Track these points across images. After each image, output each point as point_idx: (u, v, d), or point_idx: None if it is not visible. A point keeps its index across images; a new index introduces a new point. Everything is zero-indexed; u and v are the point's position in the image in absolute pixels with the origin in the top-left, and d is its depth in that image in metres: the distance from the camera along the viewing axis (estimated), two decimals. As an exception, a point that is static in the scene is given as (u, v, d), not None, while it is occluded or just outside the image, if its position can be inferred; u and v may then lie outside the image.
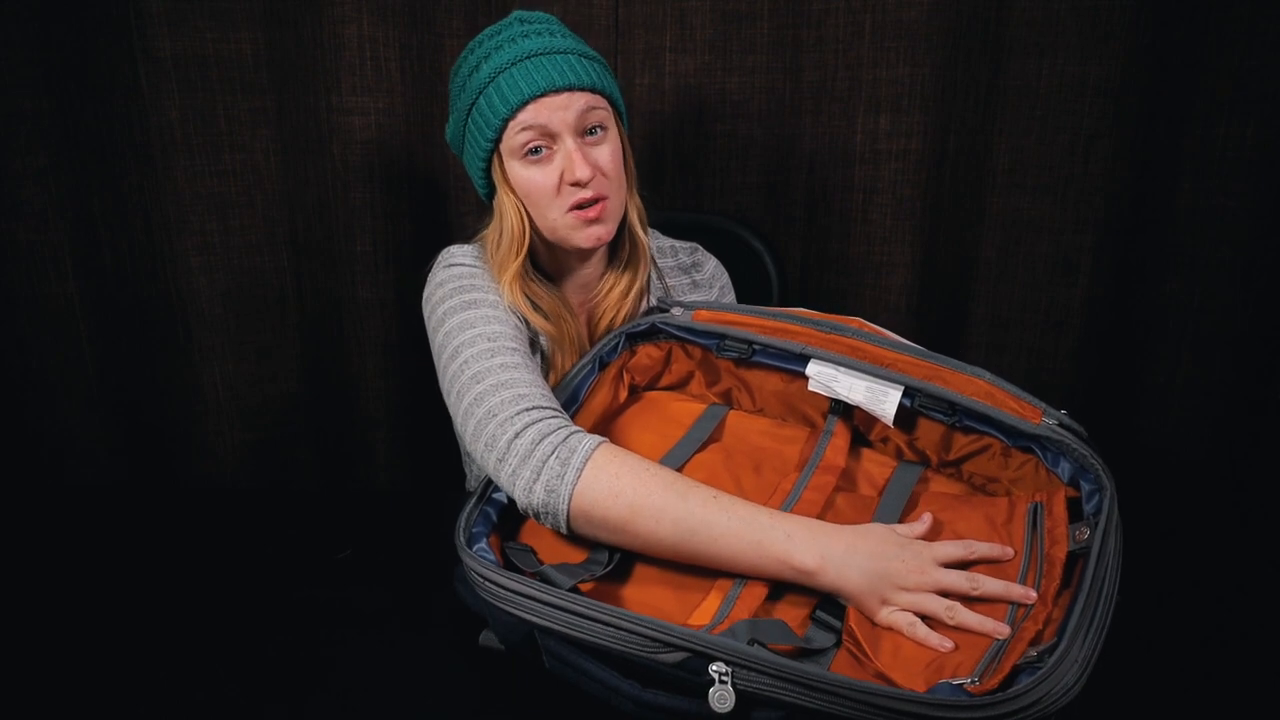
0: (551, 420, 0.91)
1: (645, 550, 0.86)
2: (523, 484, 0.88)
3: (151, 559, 1.30)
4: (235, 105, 1.53)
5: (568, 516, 0.86)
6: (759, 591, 0.82)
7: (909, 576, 0.80)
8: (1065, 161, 1.49)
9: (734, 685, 0.68)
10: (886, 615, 0.79)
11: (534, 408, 0.93)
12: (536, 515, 0.88)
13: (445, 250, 1.17)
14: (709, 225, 1.48)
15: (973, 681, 0.69)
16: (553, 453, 0.88)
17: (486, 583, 0.80)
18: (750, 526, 0.83)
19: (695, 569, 0.85)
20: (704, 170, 1.62)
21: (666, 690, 0.73)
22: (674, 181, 1.62)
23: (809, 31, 1.51)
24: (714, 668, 0.68)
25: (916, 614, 0.79)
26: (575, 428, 0.91)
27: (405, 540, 1.39)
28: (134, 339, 1.58)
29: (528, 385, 0.96)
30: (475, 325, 1.04)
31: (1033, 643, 0.72)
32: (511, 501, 0.91)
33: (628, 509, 0.84)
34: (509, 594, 0.78)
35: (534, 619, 0.77)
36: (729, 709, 0.68)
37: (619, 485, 0.85)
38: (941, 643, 0.76)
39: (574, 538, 0.89)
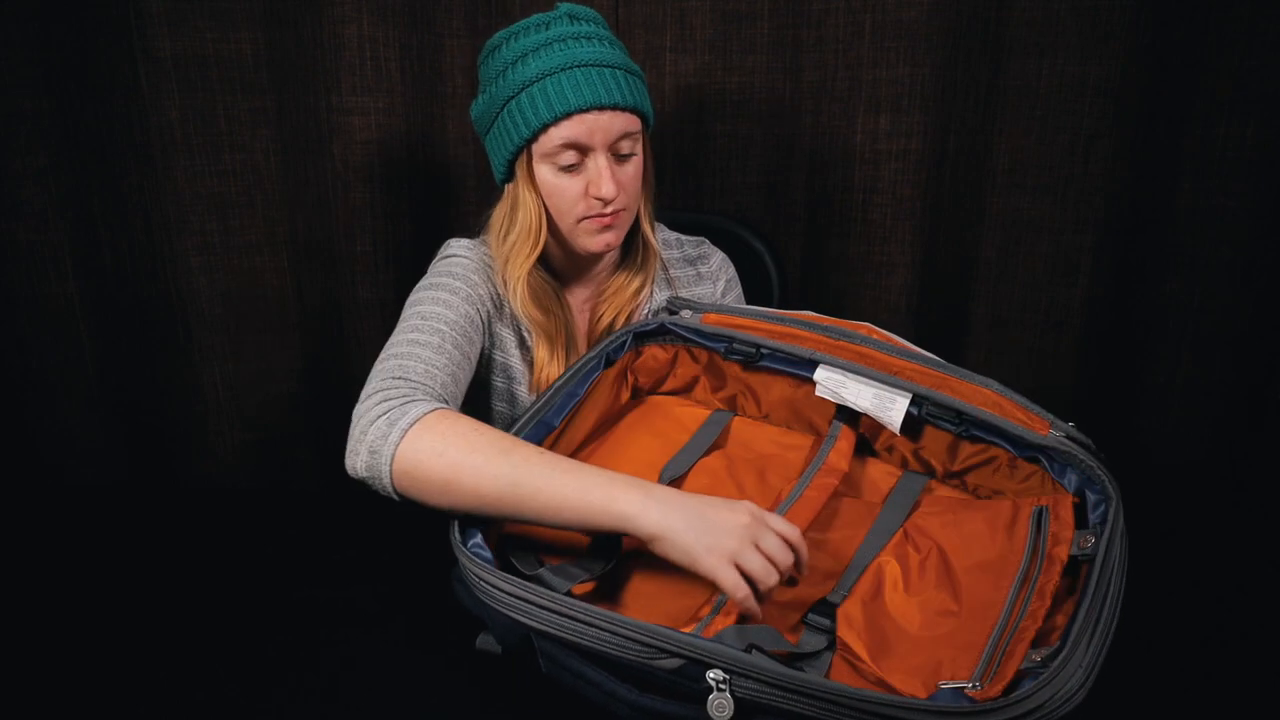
0: (405, 388, 0.92)
1: (475, 509, 0.85)
2: (351, 448, 0.89)
3: (151, 559, 1.30)
4: (235, 105, 1.52)
5: (391, 479, 0.86)
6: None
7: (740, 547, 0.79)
8: (1065, 161, 1.49)
9: (732, 693, 0.68)
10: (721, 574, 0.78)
11: (399, 379, 0.94)
12: (364, 481, 0.89)
13: (446, 243, 1.20)
14: (709, 225, 1.47)
15: (973, 685, 0.69)
16: (384, 415, 0.88)
17: (482, 583, 0.79)
18: (575, 476, 0.82)
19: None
20: (704, 170, 1.62)
21: (664, 696, 0.73)
22: (674, 181, 1.62)
23: (809, 31, 1.51)
24: (711, 675, 0.68)
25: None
26: (422, 398, 0.92)
27: (405, 540, 1.39)
28: (134, 339, 1.58)
29: (416, 360, 0.97)
30: (422, 304, 1.07)
31: (1035, 645, 0.72)
32: None
33: (450, 467, 0.84)
34: (505, 596, 0.77)
35: (530, 622, 0.76)
36: (728, 718, 0.68)
37: (443, 445, 0.85)
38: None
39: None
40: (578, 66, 1.04)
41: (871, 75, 1.50)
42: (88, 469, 1.61)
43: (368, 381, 0.96)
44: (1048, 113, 1.48)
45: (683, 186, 1.63)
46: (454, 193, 1.61)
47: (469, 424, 0.88)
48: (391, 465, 0.86)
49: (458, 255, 1.16)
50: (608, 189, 1.06)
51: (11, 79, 1.40)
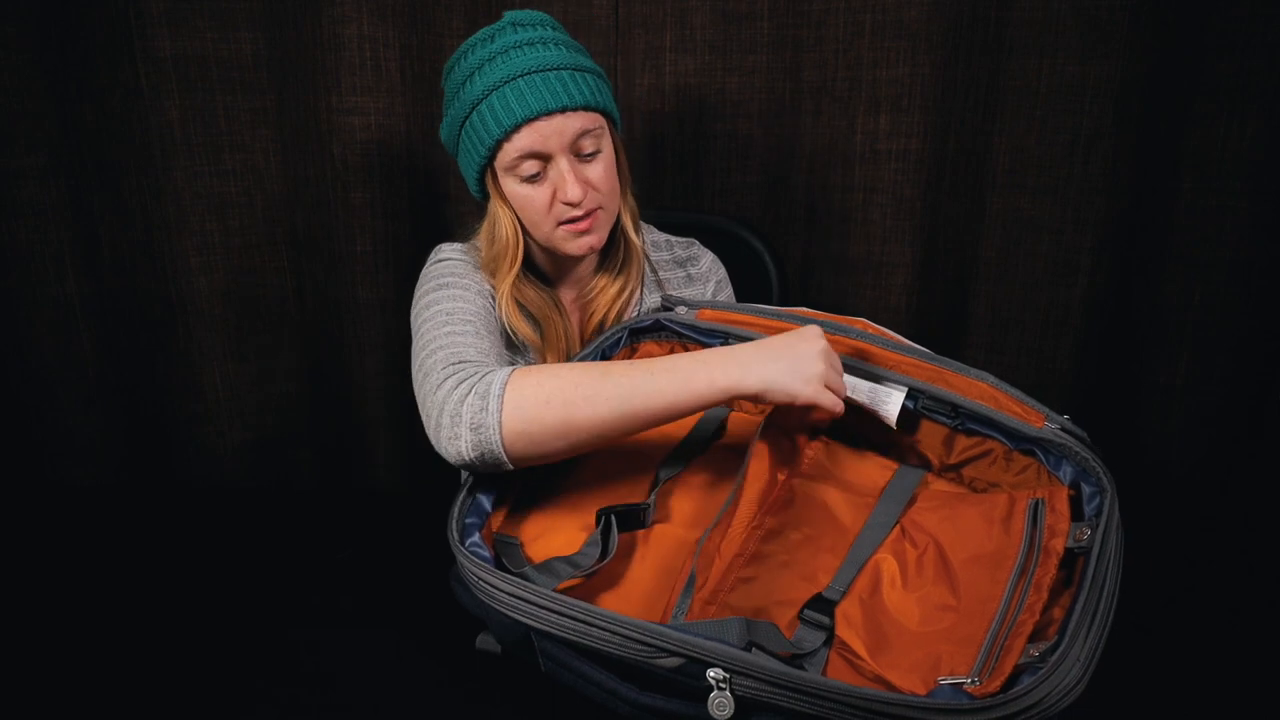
0: (471, 367, 0.93)
1: (594, 440, 0.89)
2: (448, 436, 0.89)
3: (151, 559, 1.30)
4: (235, 105, 1.53)
5: (503, 446, 0.87)
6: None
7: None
8: (1065, 161, 1.49)
9: (732, 691, 0.68)
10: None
11: (460, 362, 0.94)
12: (473, 466, 0.89)
13: (436, 248, 1.19)
14: (709, 225, 1.47)
15: (972, 681, 0.69)
16: (470, 392, 0.89)
17: (481, 583, 0.79)
18: (672, 373, 0.88)
19: (684, 557, 0.86)
20: (704, 170, 1.62)
21: (664, 694, 0.72)
22: (674, 181, 1.62)
23: (809, 31, 1.51)
24: (711, 673, 0.68)
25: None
26: (493, 367, 0.93)
27: (405, 540, 1.39)
28: (134, 339, 1.58)
29: (465, 346, 0.98)
30: (440, 303, 1.07)
31: (1032, 639, 0.72)
32: (503, 486, 0.91)
33: (562, 408, 0.87)
34: (504, 595, 0.77)
35: (529, 622, 0.76)
36: (728, 716, 0.68)
37: (544, 392, 0.87)
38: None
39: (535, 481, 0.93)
40: (520, 76, 1.03)
41: (871, 75, 1.49)
42: (87, 468, 1.61)
43: (425, 378, 0.96)
44: (1048, 113, 1.47)
45: (682, 186, 1.63)
46: (454, 193, 1.61)
47: (552, 369, 0.90)
48: (501, 433, 0.87)
49: (451, 258, 1.16)
50: (573, 192, 1.06)
51: (11, 79, 1.41)
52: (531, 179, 1.07)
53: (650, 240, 1.29)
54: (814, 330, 0.91)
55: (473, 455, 0.88)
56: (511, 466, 0.89)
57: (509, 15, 1.09)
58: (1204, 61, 1.41)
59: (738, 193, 1.62)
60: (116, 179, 1.50)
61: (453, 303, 1.07)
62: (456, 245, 1.19)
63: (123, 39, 1.45)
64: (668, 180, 1.62)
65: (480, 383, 0.89)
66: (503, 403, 0.87)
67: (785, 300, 1.46)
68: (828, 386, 0.89)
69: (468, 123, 1.08)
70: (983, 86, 1.48)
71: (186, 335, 1.60)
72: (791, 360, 0.88)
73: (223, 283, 1.60)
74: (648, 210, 1.38)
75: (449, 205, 1.61)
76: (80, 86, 1.44)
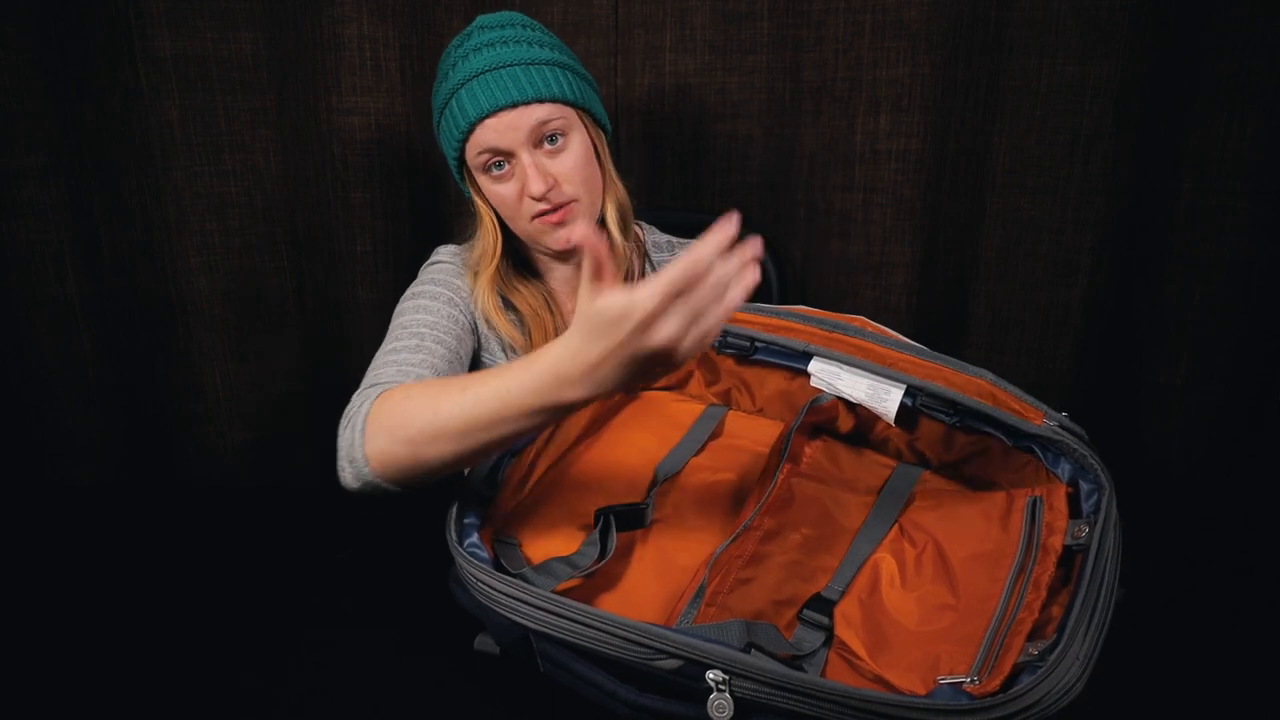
0: (376, 390, 0.90)
1: (458, 465, 0.83)
2: (339, 469, 0.87)
3: (151, 559, 1.30)
4: (235, 105, 1.53)
5: (378, 478, 0.85)
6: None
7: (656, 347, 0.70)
8: (1065, 161, 1.49)
9: (732, 693, 0.68)
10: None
11: (371, 385, 0.93)
12: (365, 495, 0.87)
13: (435, 249, 1.22)
14: (709, 225, 1.47)
15: (971, 680, 0.69)
16: (346, 425, 0.87)
17: (479, 584, 0.79)
18: (497, 398, 0.77)
19: (684, 557, 0.86)
20: (704, 170, 1.62)
21: (663, 695, 0.72)
22: (674, 181, 1.62)
23: (809, 31, 1.51)
24: (710, 675, 0.68)
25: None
26: (380, 390, 0.89)
27: (405, 540, 1.39)
28: (134, 339, 1.58)
29: (390, 365, 0.98)
30: (403, 314, 1.08)
31: (1031, 637, 0.72)
32: (502, 487, 0.91)
33: (408, 444, 0.82)
34: (503, 597, 0.77)
35: (528, 623, 0.76)
36: (728, 718, 0.68)
37: (392, 423, 0.83)
38: None
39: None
40: (475, 77, 1.05)
41: (871, 75, 1.49)
42: (87, 468, 1.61)
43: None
44: (1048, 113, 1.47)
45: (682, 186, 1.63)
46: (454, 193, 1.61)
47: (401, 393, 0.85)
48: (369, 467, 0.85)
49: (441, 261, 1.18)
50: (534, 186, 1.06)
51: (11, 79, 1.40)
52: (499, 175, 1.09)
53: (651, 240, 1.29)
54: (660, 336, 0.69)
55: (357, 487, 0.86)
56: (400, 492, 0.86)
57: (478, 19, 1.10)
58: (1204, 61, 1.40)
59: (738, 193, 1.62)
60: (116, 179, 1.50)
61: (414, 314, 1.08)
62: (451, 247, 1.20)
63: (123, 39, 1.45)
64: (668, 180, 1.62)
65: (356, 412, 0.87)
66: (364, 438, 0.84)
67: (785, 300, 1.46)
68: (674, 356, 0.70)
69: (440, 126, 1.11)
70: (983, 86, 1.48)
71: (186, 335, 1.60)
72: (636, 372, 0.72)
73: (223, 283, 1.60)
74: (648, 210, 1.38)
75: (449, 205, 1.61)
76: (80, 86, 1.44)
